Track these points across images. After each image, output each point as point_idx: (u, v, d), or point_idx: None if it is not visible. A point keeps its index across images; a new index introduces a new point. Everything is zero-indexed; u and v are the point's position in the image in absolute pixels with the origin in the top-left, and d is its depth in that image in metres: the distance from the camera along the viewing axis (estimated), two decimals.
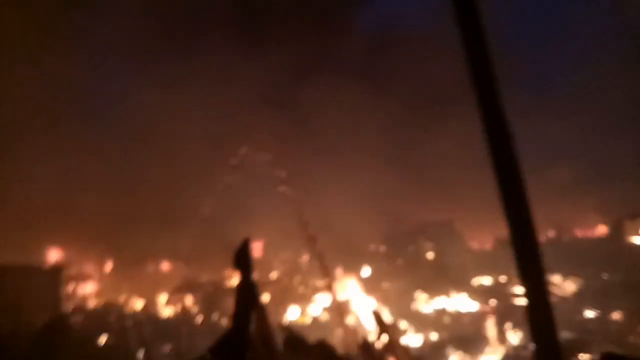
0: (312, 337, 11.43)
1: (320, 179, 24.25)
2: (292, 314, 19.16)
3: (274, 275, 21.05)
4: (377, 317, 12.18)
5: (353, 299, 20.49)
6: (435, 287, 20.79)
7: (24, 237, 18.07)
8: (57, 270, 16.61)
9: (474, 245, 25.90)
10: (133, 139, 24.18)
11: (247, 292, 8.00)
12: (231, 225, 16.92)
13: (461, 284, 20.94)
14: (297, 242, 21.54)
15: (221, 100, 27.13)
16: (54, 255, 19.98)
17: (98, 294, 20.77)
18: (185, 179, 23.50)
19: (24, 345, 13.12)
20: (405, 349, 11.67)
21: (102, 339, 15.61)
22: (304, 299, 20.77)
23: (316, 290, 21.83)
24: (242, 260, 8.20)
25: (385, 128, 29.09)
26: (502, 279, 22.80)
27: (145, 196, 21.99)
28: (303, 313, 19.81)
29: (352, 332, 15.92)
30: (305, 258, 23.28)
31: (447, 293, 20.70)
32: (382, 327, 11.92)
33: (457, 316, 19.31)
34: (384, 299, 16.83)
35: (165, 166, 23.64)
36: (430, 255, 23.71)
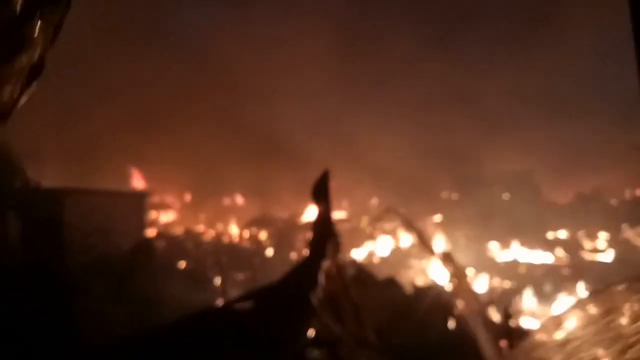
0: (380, 276, 11.63)
1: (387, 119, 23.75)
2: (360, 254, 19.48)
3: (343, 215, 21.33)
4: (449, 260, 12.17)
5: (423, 244, 20.61)
6: (508, 238, 20.41)
7: (109, 162, 19.07)
8: (142, 197, 17.52)
9: (552, 198, 24.93)
10: (208, 69, 24.40)
11: (324, 224, 8.24)
12: (305, 164, 17.08)
13: (536, 236, 20.41)
14: (367, 185, 21.59)
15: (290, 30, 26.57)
16: (137, 183, 21.15)
17: (177, 223, 21.95)
18: (255, 109, 23.66)
19: (114, 265, 14.23)
20: (474, 293, 11.67)
21: (182, 265, 16.67)
22: (371, 240, 21.05)
23: (384, 232, 22.03)
24: (321, 192, 8.42)
25: (453, 62, 27.50)
26: (580, 234, 22.02)
27: (223, 129, 22.50)
28: (371, 253, 20.14)
29: (420, 274, 16.07)
30: (374, 201, 23.39)
31: (521, 244, 20.33)
32: (453, 270, 11.95)
33: (531, 267, 18.95)
34: (455, 247, 16.74)
35: (234, 94, 23.85)
36: (505, 205, 23.13)
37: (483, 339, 9.81)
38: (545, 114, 25.50)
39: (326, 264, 7.75)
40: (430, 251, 12.44)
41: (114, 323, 10.36)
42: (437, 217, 22.43)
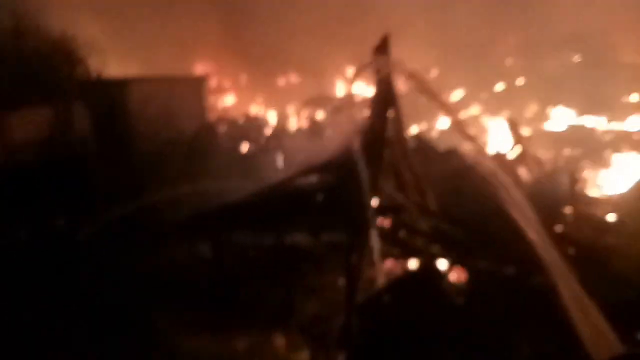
0: (441, 147, 11.48)
1: None
2: (418, 128, 19.22)
3: (400, 90, 20.74)
4: (512, 126, 11.82)
5: (484, 115, 20.11)
6: (578, 104, 19.40)
7: (166, 49, 19.09)
8: (201, 81, 17.67)
9: (629, 58, 22.94)
10: None
11: (385, 90, 8.08)
12: (360, 35, 16.36)
13: (609, 100, 19.25)
14: (425, 57, 20.64)
15: None
16: (198, 68, 21.26)
17: (236, 106, 22.22)
18: None
19: (178, 151, 14.77)
20: (538, 160, 11.43)
21: (244, 147, 17.10)
22: (430, 114, 20.60)
23: (443, 105, 21.45)
24: (381, 57, 8.13)
25: None
26: None
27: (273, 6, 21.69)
28: (430, 127, 19.81)
29: (481, 145, 15.78)
30: (434, 72, 22.50)
31: (591, 110, 19.34)
32: (516, 137, 11.64)
33: (601, 134, 18.17)
34: (520, 115, 16.10)
35: None
36: (575, 68, 21.68)
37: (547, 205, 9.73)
38: None
39: (388, 133, 7.74)
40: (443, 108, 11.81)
41: (185, 203, 10.94)
42: (500, 86, 21.47)
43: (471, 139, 10.04)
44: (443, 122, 20.52)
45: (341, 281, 7.37)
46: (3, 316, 6.24)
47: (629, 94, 20.67)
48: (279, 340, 6.75)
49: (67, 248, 8.31)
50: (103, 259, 8.12)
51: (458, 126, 10.33)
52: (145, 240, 8.76)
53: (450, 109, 10.87)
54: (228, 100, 22.42)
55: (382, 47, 7.95)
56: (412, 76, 8.96)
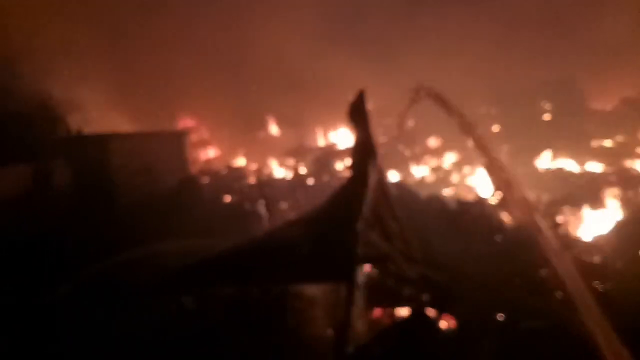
0: (422, 194, 11.61)
1: (419, 32, 22.67)
2: (396, 176, 19.47)
3: (379, 139, 21.17)
4: (491, 172, 11.99)
5: (463, 162, 20.51)
6: (552, 149, 19.95)
7: (149, 103, 19.27)
8: (181, 136, 17.79)
9: (596, 105, 23.91)
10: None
11: (364, 145, 8.18)
12: (337, 91, 16.82)
13: (581, 145, 19.85)
14: (400, 106, 21.14)
15: None
16: (183, 123, 21.45)
17: (218, 159, 22.32)
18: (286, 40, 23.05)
19: (161, 203, 14.68)
20: (519, 204, 11.55)
21: (227, 198, 17.06)
22: (408, 162, 20.97)
23: (422, 153, 21.91)
24: (358, 113, 8.31)
25: None
26: (623, 140, 21.29)
27: (250, 64, 22.22)
28: (408, 174, 20.11)
29: (463, 190, 16.05)
30: (411, 123, 23.06)
31: (564, 154, 19.88)
32: (496, 183, 11.79)
33: (575, 177, 18.59)
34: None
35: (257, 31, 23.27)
36: (547, 115, 22.43)
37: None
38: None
39: (370, 184, 7.80)
40: (470, 132, 11.87)
41: (166, 258, 10.71)
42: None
43: (495, 160, 10.01)
44: (421, 170, 20.88)
45: (330, 332, 7.23)
46: None
47: (601, 139, 21.38)
48: None
49: (44, 307, 8.00)
50: (81, 316, 7.83)
51: (481, 148, 10.27)
52: (126, 295, 8.50)
53: (474, 130, 10.79)
54: (210, 153, 22.55)
55: (358, 104, 8.10)
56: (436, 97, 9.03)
